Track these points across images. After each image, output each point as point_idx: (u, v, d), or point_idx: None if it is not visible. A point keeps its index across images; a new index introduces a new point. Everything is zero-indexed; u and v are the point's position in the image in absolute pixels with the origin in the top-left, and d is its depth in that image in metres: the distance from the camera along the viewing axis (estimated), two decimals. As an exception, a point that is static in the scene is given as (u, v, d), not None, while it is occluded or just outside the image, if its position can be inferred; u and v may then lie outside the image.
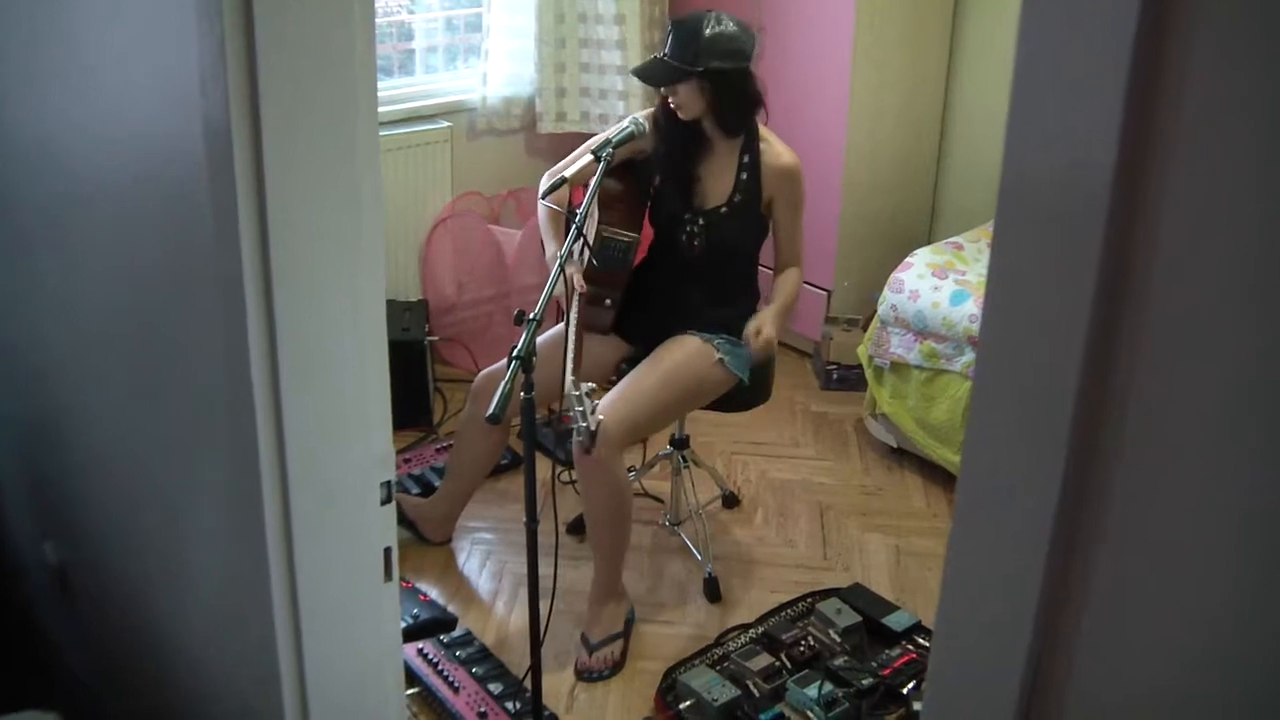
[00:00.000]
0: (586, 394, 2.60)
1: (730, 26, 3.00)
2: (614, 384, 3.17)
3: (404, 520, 3.41)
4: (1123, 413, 0.83)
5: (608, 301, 3.20)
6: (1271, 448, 0.75)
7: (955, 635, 1.03)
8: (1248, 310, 0.75)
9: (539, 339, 2.65)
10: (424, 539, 3.51)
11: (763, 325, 3.06)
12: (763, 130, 3.15)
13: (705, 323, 3.17)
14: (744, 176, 3.11)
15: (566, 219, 3.12)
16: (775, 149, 3.13)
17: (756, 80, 3.09)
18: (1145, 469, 0.83)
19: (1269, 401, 0.75)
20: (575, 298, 2.93)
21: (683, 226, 3.16)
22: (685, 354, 3.12)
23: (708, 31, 2.97)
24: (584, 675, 3.03)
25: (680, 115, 3.07)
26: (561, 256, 2.73)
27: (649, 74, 3.09)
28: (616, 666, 3.06)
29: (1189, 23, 0.73)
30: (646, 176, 3.22)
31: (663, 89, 3.08)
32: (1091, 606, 0.89)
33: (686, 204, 3.16)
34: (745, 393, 3.25)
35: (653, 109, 3.20)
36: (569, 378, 2.72)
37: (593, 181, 2.88)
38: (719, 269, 3.19)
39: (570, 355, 2.79)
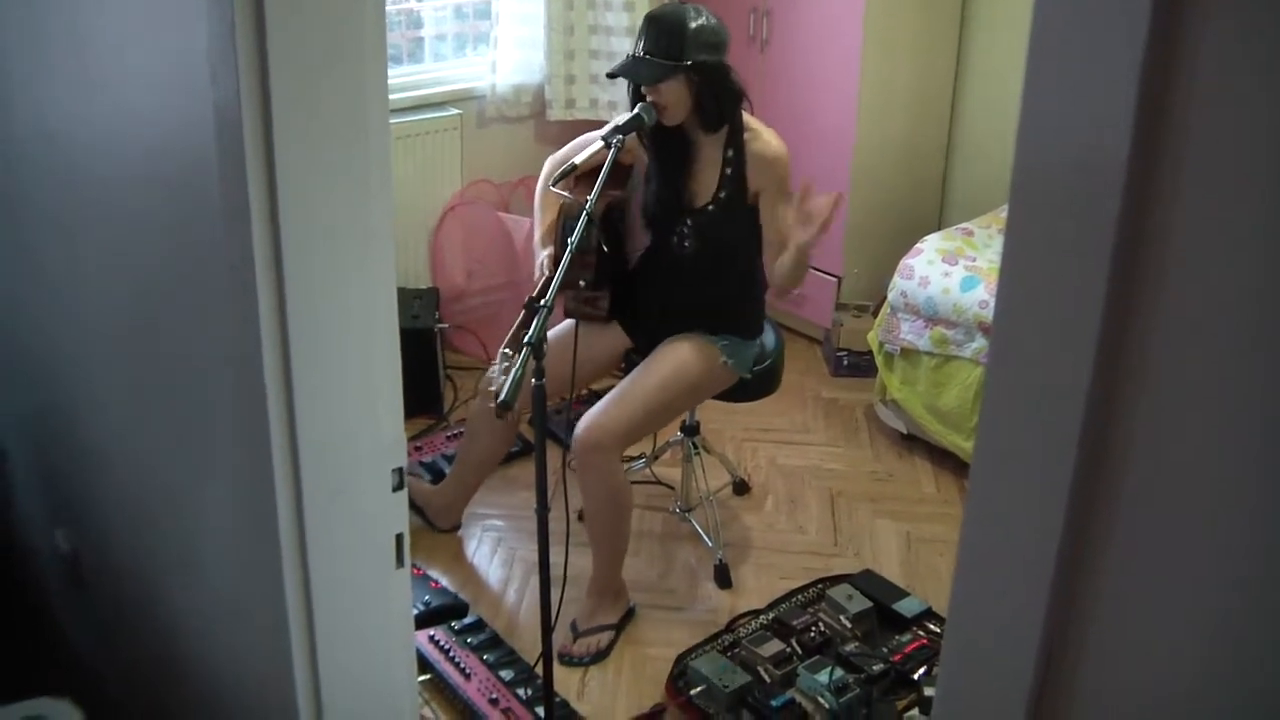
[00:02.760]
0: (504, 364, 2.52)
1: (710, 19, 2.94)
2: (621, 376, 3.16)
3: (412, 506, 3.40)
4: (1136, 401, 0.83)
5: (581, 283, 3.08)
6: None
7: (968, 622, 1.03)
8: (1263, 298, 0.74)
9: (550, 331, 2.64)
10: (432, 525, 3.51)
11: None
12: (749, 120, 3.04)
13: (707, 324, 3.13)
14: (729, 171, 3.02)
15: (576, 210, 3.10)
16: (762, 138, 3.02)
17: (735, 73, 3.00)
18: (1159, 458, 0.83)
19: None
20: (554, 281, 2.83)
21: (673, 228, 3.10)
22: (687, 355, 3.08)
23: (692, 24, 2.89)
24: (563, 659, 3.01)
25: (664, 119, 2.95)
26: (572, 244, 2.72)
27: (635, 72, 2.93)
28: (599, 655, 3.05)
29: (1203, 7, 0.73)
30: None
31: (645, 90, 2.93)
32: (1105, 593, 0.89)
33: (676, 205, 3.09)
34: (753, 384, 3.25)
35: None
36: (507, 340, 2.62)
37: (603, 169, 2.87)
38: (715, 268, 3.12)
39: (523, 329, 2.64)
